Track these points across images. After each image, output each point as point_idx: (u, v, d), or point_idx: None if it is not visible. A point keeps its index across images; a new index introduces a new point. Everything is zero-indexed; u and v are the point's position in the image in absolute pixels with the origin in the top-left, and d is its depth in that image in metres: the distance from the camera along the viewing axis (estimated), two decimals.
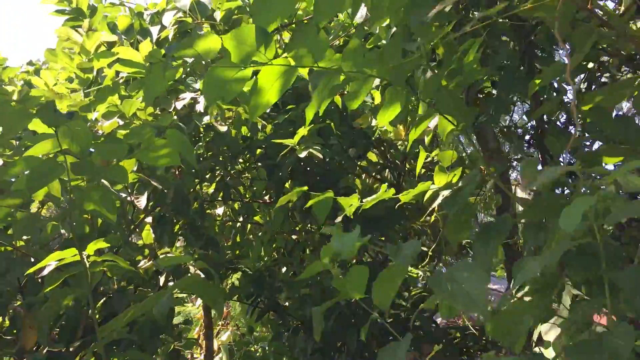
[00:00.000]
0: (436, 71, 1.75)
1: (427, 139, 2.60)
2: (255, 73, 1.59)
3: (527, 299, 1.63)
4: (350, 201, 2.12)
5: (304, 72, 1.68)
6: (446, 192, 1.86)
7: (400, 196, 2.02)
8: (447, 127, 2.01)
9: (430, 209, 1.91)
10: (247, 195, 4.64)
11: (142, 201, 2.58)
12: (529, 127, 2.88)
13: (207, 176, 3.93)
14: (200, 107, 2.59)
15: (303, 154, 2.85)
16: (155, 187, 2.79)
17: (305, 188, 2.14)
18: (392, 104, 1.77)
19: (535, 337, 1.72)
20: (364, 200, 2.09)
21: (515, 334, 1.52)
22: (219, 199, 4.09)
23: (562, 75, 2.18)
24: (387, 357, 1.31)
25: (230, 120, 2.87)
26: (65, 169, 1.93)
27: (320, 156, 2.89)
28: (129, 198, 2.61)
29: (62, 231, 2.31)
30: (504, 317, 1.54)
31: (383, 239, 3.97)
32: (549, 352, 1.70)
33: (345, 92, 2.57)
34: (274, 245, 4.85)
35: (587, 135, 3.11)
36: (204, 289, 1.46)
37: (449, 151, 2.16)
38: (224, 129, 2.79)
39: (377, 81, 3.18)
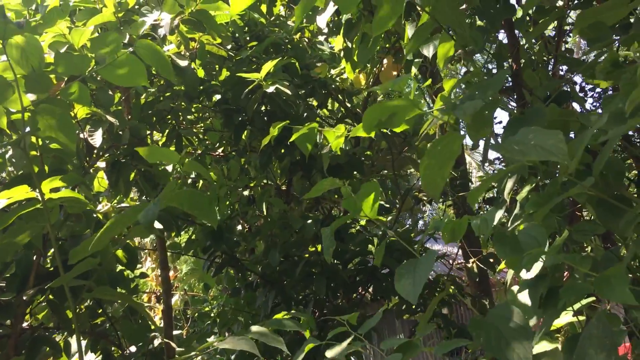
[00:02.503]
0: None
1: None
2: None
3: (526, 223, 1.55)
4: (337, 132, 1.97)
5: None
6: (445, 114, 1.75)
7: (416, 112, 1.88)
8: (445, 50, 1.90)
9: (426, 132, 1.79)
10: (200, 149, 4.42)
11: (96, 138, 2.33)
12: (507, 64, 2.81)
13: (158, 125, 3.68)
14: (163, 31, 2.35)
15: (270, 89, 2.66)
16: (109, 127, 2.55)
17: (287, 122, 1.98)
18: (389, 12, 1.63)
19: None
20: (351, 130, 1.95)
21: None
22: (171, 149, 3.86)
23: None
24: (406, 274, 1.18)
25: (191, 52, 2.64)
26: (15, 88, 1.69)
27: (288, 92, 2.71)
28: (81, 135, 2.36)
29: (9, 168, 2.05)
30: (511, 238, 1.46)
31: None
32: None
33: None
34: (227, 202, 4.68)
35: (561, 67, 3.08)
36: (196, 201, 1.29)
37: (452, 79, 2.09)
38: (184, 63, 2.56)
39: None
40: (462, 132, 1.51)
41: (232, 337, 1.71)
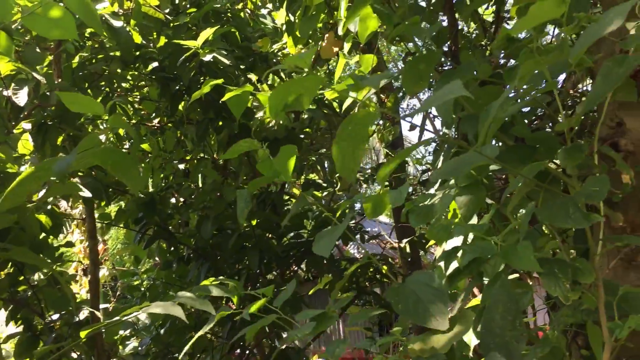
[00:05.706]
0: None
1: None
2: None
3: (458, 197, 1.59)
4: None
5: None
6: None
7: (329, 91, 1.88)
8: (367, 26, 1.89)
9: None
10: (135, 119, 4.29)
11: (21, 97, 2.21)
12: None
13: (90, 91, 3.53)
14: None
15: (207, 57, 2.60)
16: (36, 87, 2.43)
17: (221, 80, 1.93)
18: None
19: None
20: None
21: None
22: (105, 118, 3.72)
23: None
24: (325, 236, 1.22)
25: (126, 12, 2.54)
26: None
27: (227, 62, 2.66)
28: (4, 92, 2.24)
29: None
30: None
31: None
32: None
33: None
34: (161, 175, 4.58)
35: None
36: (120, 161, 1.24)
37: (369, 55, 2.03)
38: (118, 24, 2.46)
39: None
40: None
41: (159, 303, 1.67)
